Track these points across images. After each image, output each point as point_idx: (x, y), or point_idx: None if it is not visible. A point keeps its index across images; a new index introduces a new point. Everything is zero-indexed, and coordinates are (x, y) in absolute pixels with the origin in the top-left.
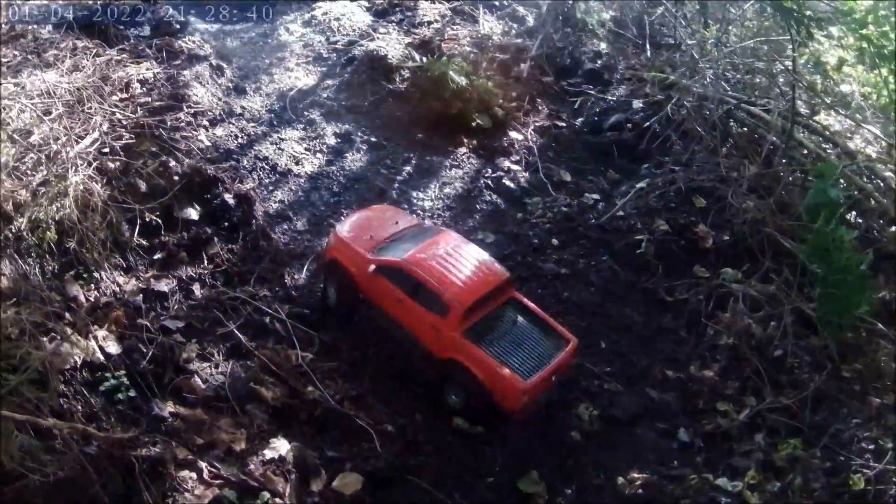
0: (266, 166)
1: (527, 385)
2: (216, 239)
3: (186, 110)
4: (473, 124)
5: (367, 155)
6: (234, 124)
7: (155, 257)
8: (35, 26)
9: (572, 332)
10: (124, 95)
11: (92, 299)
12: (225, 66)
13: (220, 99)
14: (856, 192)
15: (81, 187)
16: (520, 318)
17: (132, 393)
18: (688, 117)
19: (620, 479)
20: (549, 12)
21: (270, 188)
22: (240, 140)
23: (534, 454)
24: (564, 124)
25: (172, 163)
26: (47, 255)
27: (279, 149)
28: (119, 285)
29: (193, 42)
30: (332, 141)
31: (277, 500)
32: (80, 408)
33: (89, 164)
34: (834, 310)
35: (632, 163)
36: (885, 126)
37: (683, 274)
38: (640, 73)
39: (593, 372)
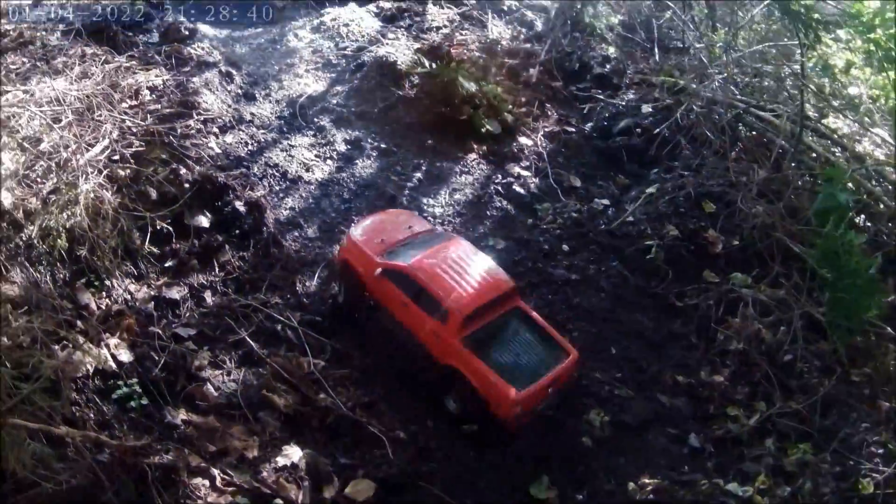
0: (276, 173)
1: (520, 396)
2: (227, 246)
3: (196, 117)
4: (483, 130)
5: (377, 161)
6: (244, 131)
7: (166, 265)
8: (43, 33)
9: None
10: (134, 102)
11: (103, 307)
12: (234, 72)
13: (229, 106)
14: (865, 196)
15: (92, 195)
16: (522, 329)
17: (144, 401)
18: (697, 122)
19: (631, 485)
20: (558, 17)
21: (281, 195)
22: (250, 147)
23: (545, 460)
24: (574, 129)
25: (183, 170)
26: (58, 263)
27: (289, 156)
28: (130, 293)
29: (202, 48)
30: (342, 147)
31: None
32: (92, 416)
33: (100, 171)
34: (843, 314)
35: (641, 168)
36: (893, 129)
37: (693, 279)
38: (648, 77)
39: (604, 378)
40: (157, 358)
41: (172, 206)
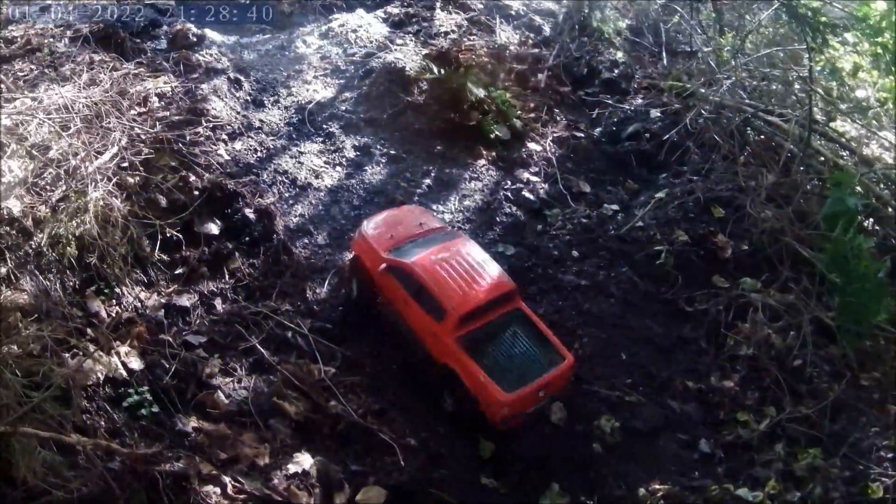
0: (286, 180)
1: (508, 398)
2: (237, 254)
3: (205, 124)
4: (492, 136)
5: (386, 168)
6: (253, 138)
7: (176, 272)
8: (51, 40)
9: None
10: (142, 109)
11: (114, 315)
12: (243, 79)
13: (238, 112)
14: (873, 200)
15: (101, 203)
16: (519, 331)
17: (155, 408)
18: (706, 126)
19: (642, 491)
20: (566, 21)
21: (291, 202)
22: (259, 154)
23: (556, 466)
24: (583, 134)
25: (192, 177)
26: (68, 271)
27: (299, 162)
28: (141, 301)
29: (211, 55)
30: (351, 154)
31: None
32: (103, 424)
33: (109, 179)
34: (852, 318)
35: (650, 173)
36: None
37: (703, 284)
38: (657, 82)
39: (614, 384)
40: (167, 365)
41: (182, 213)
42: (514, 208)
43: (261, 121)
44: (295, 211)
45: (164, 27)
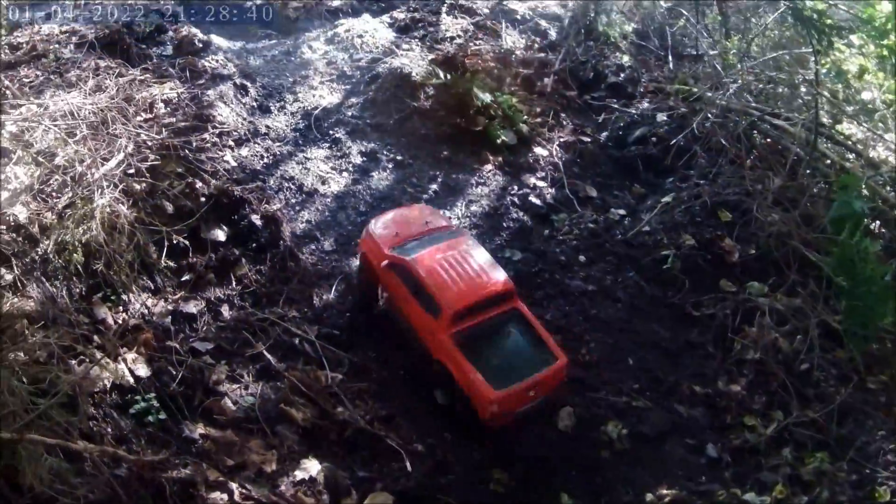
0: (292, 186)
1: (497, 395)
2: (244, 260)
3: (211, 130)
4: (499, 141)
5: (393, 173)
6: (259, 144)
7: (183, 279)
8: (56, 46)
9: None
10: (148, 116)
11: (120, 322)
12: (249, 84)
13: (244, 118)
14: (880, 203)
15: (108, 209)
16: (515, 330)
17: (162, 415)
18: (712, 130)
19: (649, 496)
20: (572, 25)
21: (297, 208)
22: (265, 160)
23: (563, 472)
24: (589, 139)
25: (199, 184)
26: (74, 278)
27: (305, 168)
28: (147, 307)
29: (217, 61)
30: (357, 160)
31: None
32: (110, 430)
33: (115, 185)
34: (859, 322)
35: (657, 177)
36: None
37: (710, 288)
38: (663, 85)
39: (621, 389)
40: (174, 372)
41: (189, 219)
42: (520, 213)
43: (267, 127)
44: (301, 217)
45: (170, 32)
